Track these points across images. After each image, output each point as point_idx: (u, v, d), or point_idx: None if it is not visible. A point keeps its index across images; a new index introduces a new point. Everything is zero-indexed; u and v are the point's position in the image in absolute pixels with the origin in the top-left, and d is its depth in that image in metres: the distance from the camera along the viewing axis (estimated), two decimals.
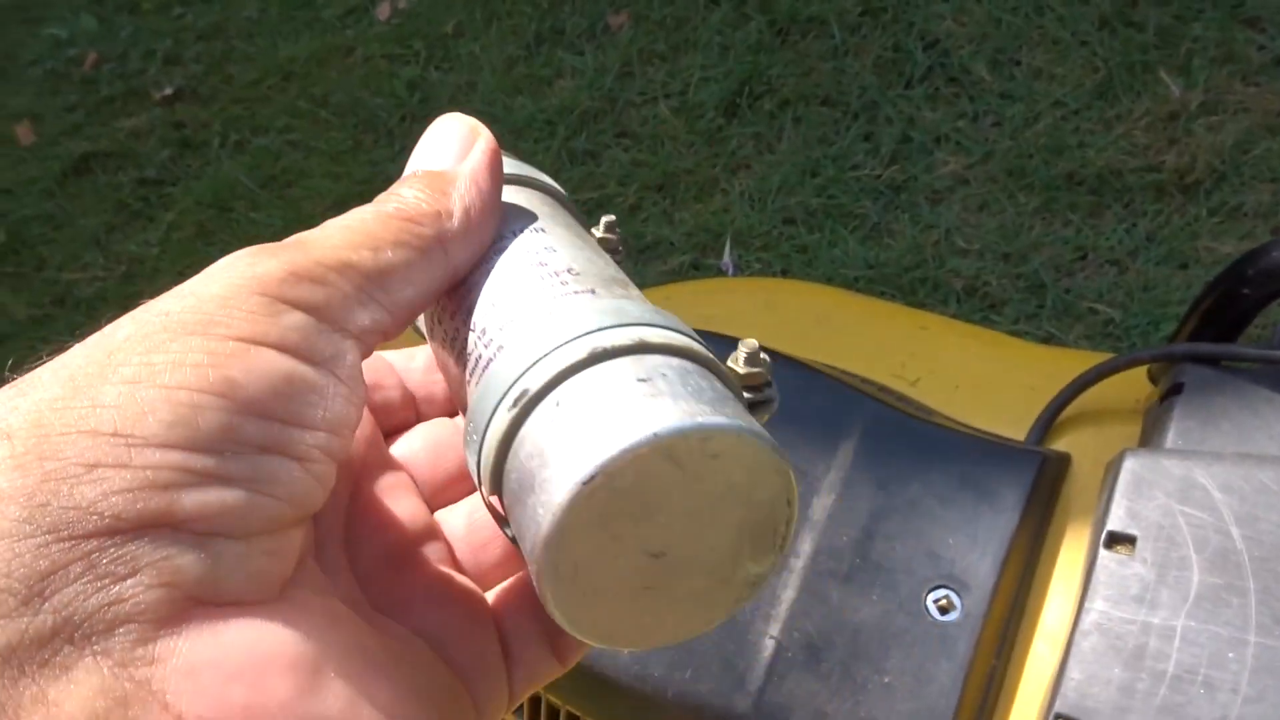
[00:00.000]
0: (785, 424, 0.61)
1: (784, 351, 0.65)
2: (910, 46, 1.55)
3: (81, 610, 0.18)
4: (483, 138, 0.26)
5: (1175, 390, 0.56)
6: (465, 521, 0.28)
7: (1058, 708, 0.45)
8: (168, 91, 2.07)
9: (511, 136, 1.55)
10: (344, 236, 0.23)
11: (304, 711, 0.20)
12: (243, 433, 0.20)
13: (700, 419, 0.20)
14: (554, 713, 0.57)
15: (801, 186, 1.43)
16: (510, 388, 0.22)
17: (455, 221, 0.25)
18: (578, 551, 0.21)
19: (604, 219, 0.27)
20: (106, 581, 0.18)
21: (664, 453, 0.20)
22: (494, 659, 0.25)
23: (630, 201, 1.44)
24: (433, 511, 0.29)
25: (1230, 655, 0.44)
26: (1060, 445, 0.65)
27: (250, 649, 0.20)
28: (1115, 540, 0.50)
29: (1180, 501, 0.50)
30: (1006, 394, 0.69)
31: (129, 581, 0.19)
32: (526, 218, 0.27)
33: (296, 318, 0.22)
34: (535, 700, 0.57)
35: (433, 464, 0.29)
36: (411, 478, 0.29)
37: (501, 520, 0.24)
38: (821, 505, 0.56)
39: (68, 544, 0.18)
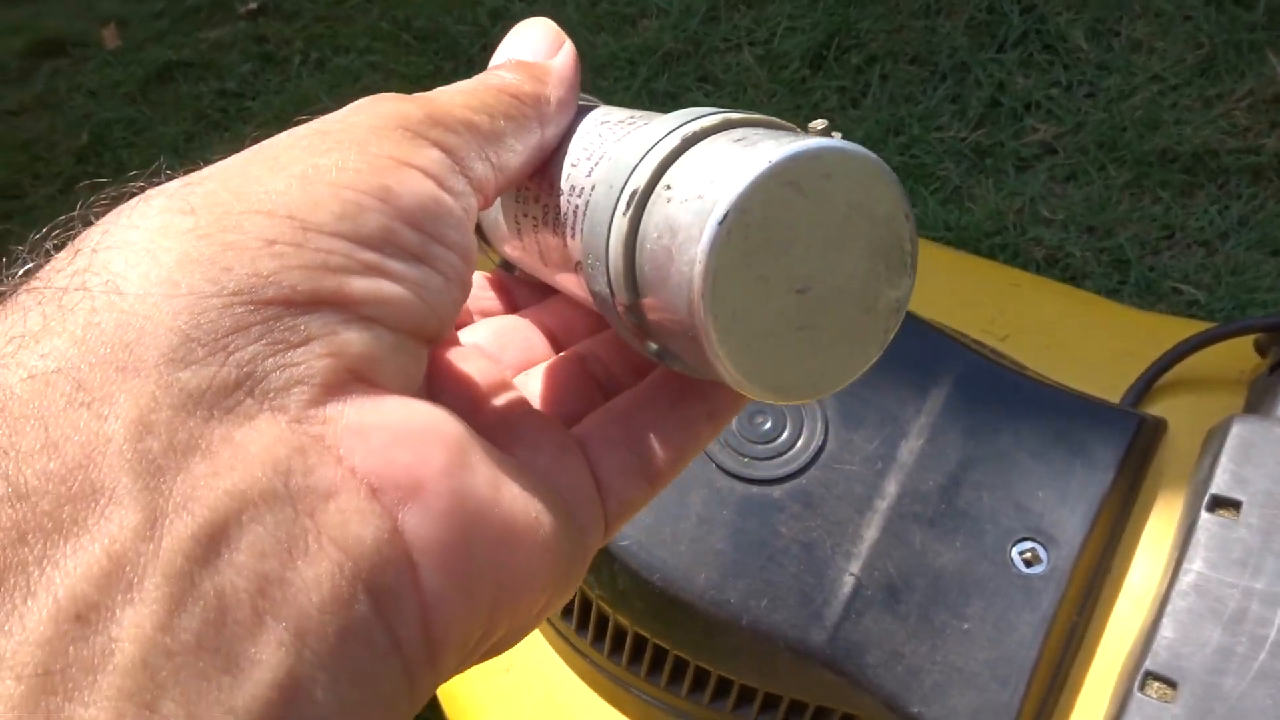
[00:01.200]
0: (876, 366, 0.60)
1: None
2: (1006, 9, 1.50)
3: (261, 368, 0.19)
4: (568, 42, 0.29)
5: None
6: (541, 382, 0.29)
7: (1149, 665, 0.44)
8: (252, 5, 2.07)
9: (592, 74, 1.53)
10: (465, 99, 0.25)
11: (458, 482, 0.21)
12: (399, 236, 0.22)
13: (805, 143, 0.21)
14: (621, 633, 0.57)
15: (884, 144, 1.40)
16: (618, 200, 0.23)
17: (552, 105, 0.27)
18: (731, 297, 0.21)
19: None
20: (281, 346, 0.20)
21: (781, 178, 0.21)
22: (588, 487, 0.26)
23: None
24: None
25: None
26: (1156, 411, 0.63)
27: (409, 420, 0.21)
28: (1219, 504, 0.49)
29: None
30: (1099, 356, 0.67)
31: (301, 349, 0.20)
32: (589, 105, 0.29)
33: (435, 152, 0.23)
34: (603, 619, 0.58)
35: (500, 347, 0.31)
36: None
37: (640, 334, 0.25)
38: (909, 448, 0.55)
39: (250, 307, 0.20)
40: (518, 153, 0.26)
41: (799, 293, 0.22)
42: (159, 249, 0.20)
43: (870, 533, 0.53)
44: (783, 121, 0.25)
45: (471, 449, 0.22)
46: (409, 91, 0.25)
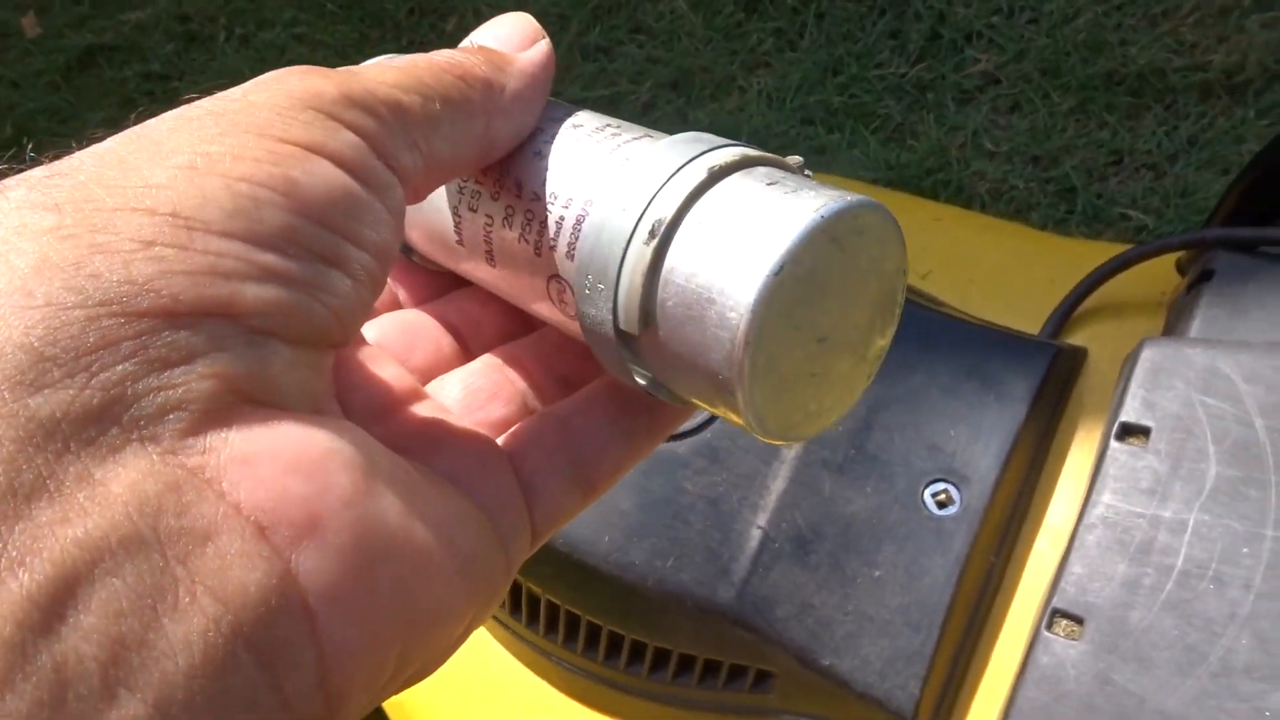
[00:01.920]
0: None
1: None
2: None
3: (130, 392, 0.17)
4: (545, 40, 0.26)
5: (1204, 278, 0.52)
6: (461, 388, 0.27)
7: (1056, 603, 0.43)
8: None
9: None
10: (395, 77, 0.22)
11: (363, 512, 0.19)
12: (303, 235, 0.19)
13: (845, 199, 0.22)
14: (535, 601, 0.55)
15: (822, 85, 1.37)
16: (636, 225, 0.22)
17: (506, 96, 0.24)
18: (770, 346, 0.22)
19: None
20: (157, 365, 0.17)
21: (828, 233, 0.21)
22: (512, 496, 0.24)
23: (643, 99, 1.39)
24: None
25: (1244, 550, 0.41)
26: (1078, 339, 0.61)
27: (305, 445, 0.18)
28: (1128, 431, 0.47)
29: (1201, 391, 0.46)
30: (1023, 287, 0.65)
31: (180, 369, 0.17)
32: (562, 110, 0.27)
33: (351, 137, 0.21)
34: (516, 588, 0.56)
35: (407, 346, 0.28)
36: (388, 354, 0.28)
37: (629, 362, 0.24)
38: None
39: (120, 320, 0.17)
40: (455, 143, 0.23)
41: (819, 342, 0.23)
42: (13, 252, 0.17)
43: (778, 484, 0.51)
44: (781, 158, 0.25)
45: (379, 471, 0.19)
46: (336, 64, 0.22)
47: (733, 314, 0.21)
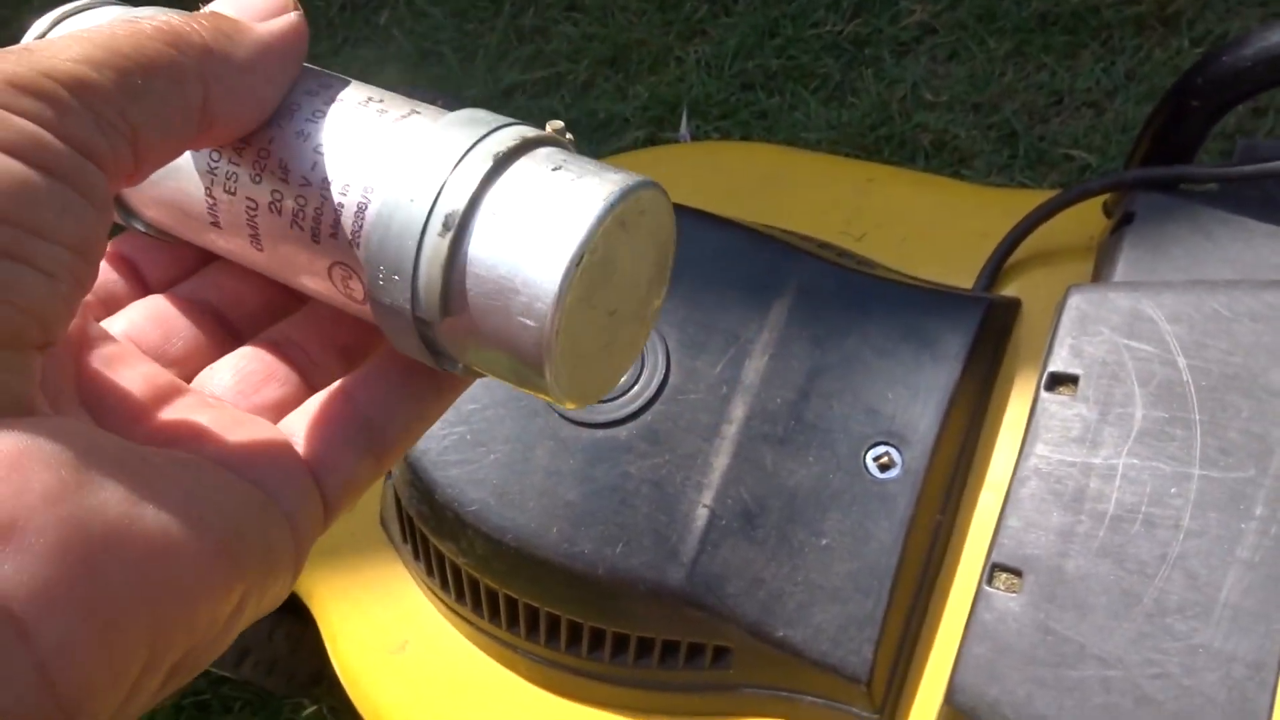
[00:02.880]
0: (714, 287, 0.58)
1: (730, 216, 0.61)
2: None
3: None
4: (296, 12, 0.25)
5: (1126, 220, 0.53)
6: (233, 374, 0.26)
7: (995, 558, 0.43)
8: None
9: (456, 19, 1.47)
10: (83, 49, 0.20)
11: (74, 508, 0.18)
12: None
13: (626, 182, 0.23)
14: (494, 597, 0.55)
15: (760, 49, 1.36)
16: (429, 217, 0.23)
17: (232, 65, 0.23)
18: (572, 329, 0.23)
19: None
20: None
21: (617, 218, 0.23)
22: (295, 469, 0.24)
23: (582, 78, 1.38)
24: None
25: (1173, 490, 0.41)
26: (1011, 290, 0.61)
27: None
28: (1057, 381, 0.47)
29: (1126, 336, 0.46)
30: (957, 241, 0.65)
31: None
32: (323, 82, 0.26)
33: (22, 123, 0.19)
34: (475, 584, 0.56)
35: (163, 337, 0.27)
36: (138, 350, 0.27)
37: (431, 344, 0.25)
38: (754, 368, 0.53)
39: None
40: (165, 118, 0.21)
41: (610, 315, 0.25)
42: None
43: (721, 460, 0.51)
44: (556, 136, 0.26)
45: (98, 463, 0.19)
46: None
47: (539, 304, 0.22)
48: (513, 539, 0.51)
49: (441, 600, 0.61)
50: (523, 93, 1.35)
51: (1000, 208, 0.65)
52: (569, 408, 0.27)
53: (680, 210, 0.60)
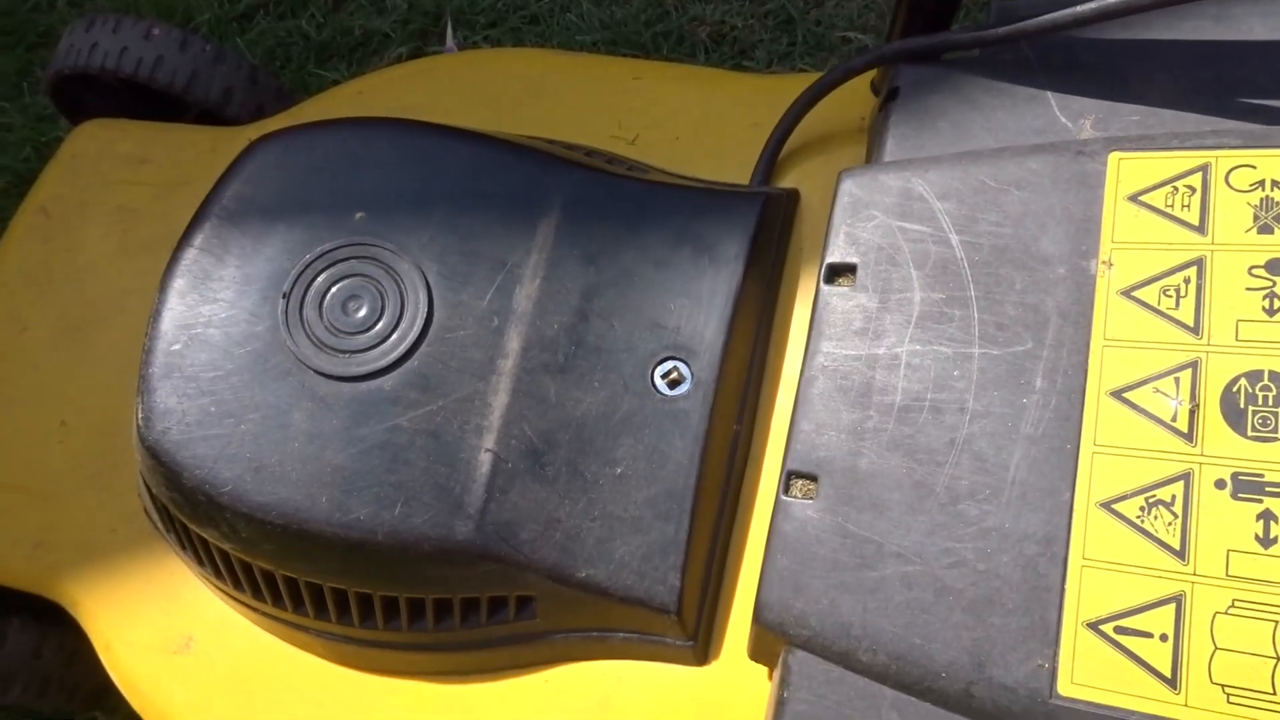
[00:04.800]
0: (473, 211, 0.53)
1: (491, 129, 0.55)
2: None
3: None
4: None
5: (891, 96, 0.50)
6: None
7: (789, 465, 0.41)
8: None
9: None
10: None
11: None
12: None
13: None
14: (271, 579, 0.50)
15: None
16: None
17: None
18: None
19: None
20: None
21: None
22: None
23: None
24: None
25: (955, 373, 0.40)
26: (790, 181, 0.59)
27: None
28: (836, 272, 0.45)
29: (899, 217, 0.45)
30: (730, 135, 0.62)
31: None
32: None
33: None
34: (248, 568, 0.50)
35: None
36: None
37: None
38: (525, 294, 0.48)
39: None
40: None
41: None
42: None
43: (499, 399, 0.47)
44: None
45: None
46: None
47: None
48: (277, 516, 0.46)
49: (220, 589, 0.55)
50: (265, 14, 1.22)
51: (773, 96, 0.62)
52: None
53: (425, 129, 0.54)
